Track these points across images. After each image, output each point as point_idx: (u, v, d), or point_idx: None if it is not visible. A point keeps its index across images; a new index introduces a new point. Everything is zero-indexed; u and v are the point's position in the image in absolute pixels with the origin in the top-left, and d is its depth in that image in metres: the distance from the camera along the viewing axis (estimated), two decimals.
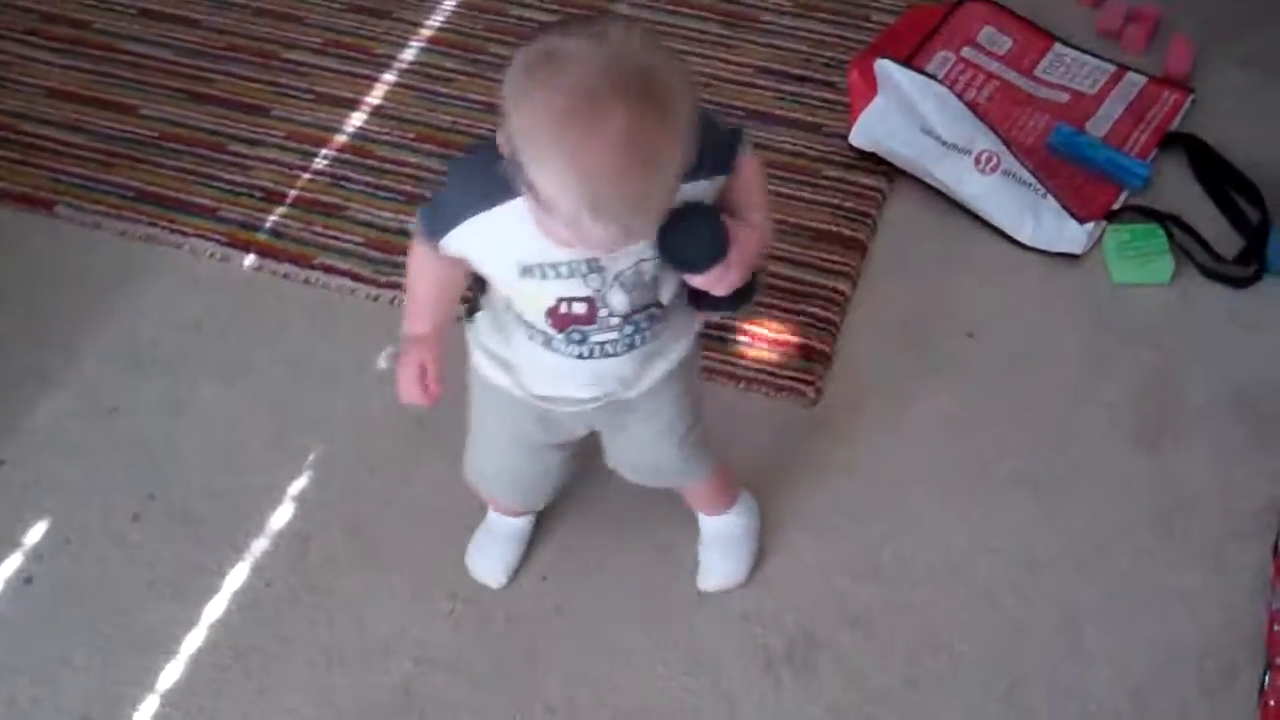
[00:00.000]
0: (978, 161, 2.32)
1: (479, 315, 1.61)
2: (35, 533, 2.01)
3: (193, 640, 1.90)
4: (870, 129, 2.39)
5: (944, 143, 2.33)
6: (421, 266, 1.56)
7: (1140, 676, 1.85)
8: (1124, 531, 1.99)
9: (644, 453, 1.75)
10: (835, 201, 2.38)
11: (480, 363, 1.63)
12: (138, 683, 1.87)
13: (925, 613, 1.92)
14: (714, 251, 1.40)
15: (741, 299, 1.53)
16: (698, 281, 1.44)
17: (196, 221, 2.37)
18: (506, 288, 1.48)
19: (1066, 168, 2.39)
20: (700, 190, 1.41)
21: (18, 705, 1.85)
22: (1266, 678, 1.79)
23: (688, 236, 1.38)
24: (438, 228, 1.46)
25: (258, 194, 2.41)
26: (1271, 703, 1.76)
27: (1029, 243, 2.31)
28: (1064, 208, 2.29)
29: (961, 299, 2.27)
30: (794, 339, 2.18)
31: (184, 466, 2.08)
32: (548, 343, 1.51)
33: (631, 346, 1.53)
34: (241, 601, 1.94)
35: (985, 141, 2.32)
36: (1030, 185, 2.31)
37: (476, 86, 2.57)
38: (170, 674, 1.87)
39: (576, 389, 1.58)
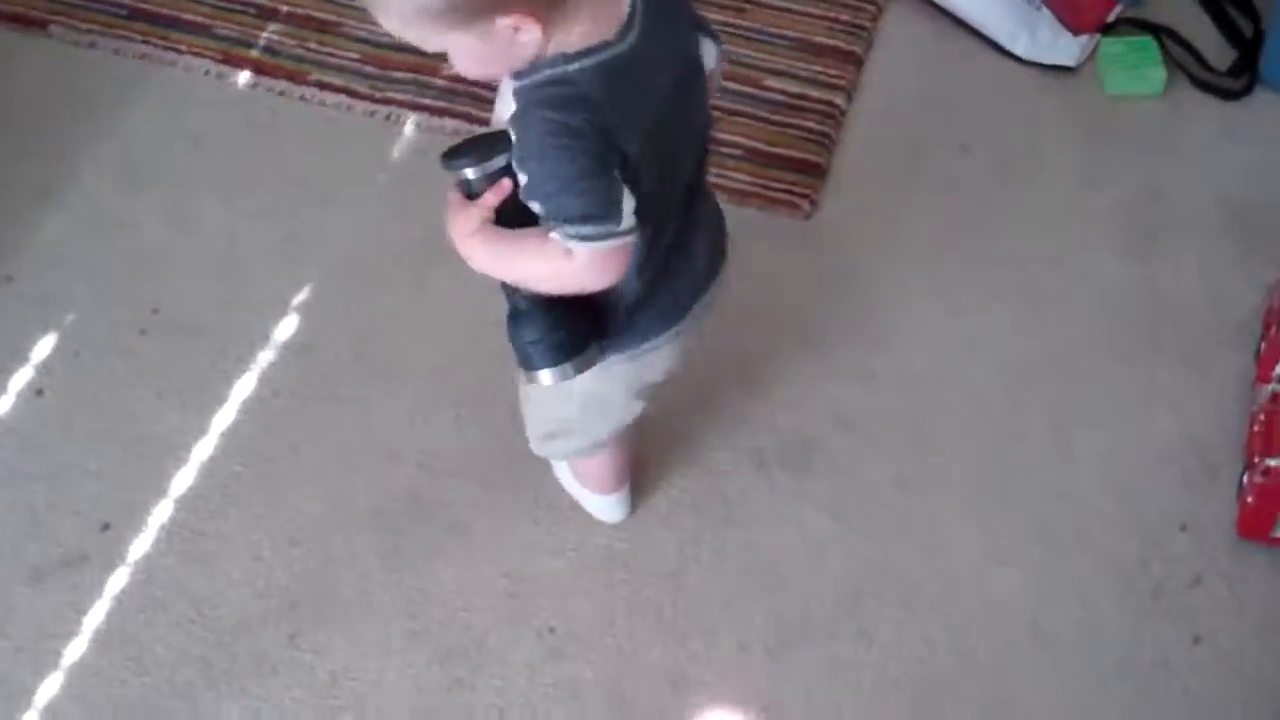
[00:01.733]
0: None
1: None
2: (44, 346, 2.05)
3: (203, 448, 1.95)
4: None
5: None
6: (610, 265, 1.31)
7: (1126, 476, 1.91)
8: (1113, 339, 2.04)
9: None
10: (831, 15, 2.38)
11: (619, 368, 1.49)
12: (152, 488, 1.92)
13: (917, 417, 1.97)
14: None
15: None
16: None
17: (190, 39, 2.37)
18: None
19: None
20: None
21: (36, 511, 1.91)
22: (1245, 475, 1.86)
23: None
24: (613, 205, 1.25)
25: (251, 10, 2.41)
26: (1249, 499, 1.82)
27: (1024, 55, 2.32)
28: (1059, 20, 2.30)
29: (956, 112, 2.29)
30: (789, 152, 2.20)
31: (188, 280, 2.11)
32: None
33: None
34: (249, 410, 1.99)
35: None
36: None
37: None
38: (183, 480, 1.93)
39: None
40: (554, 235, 1.26)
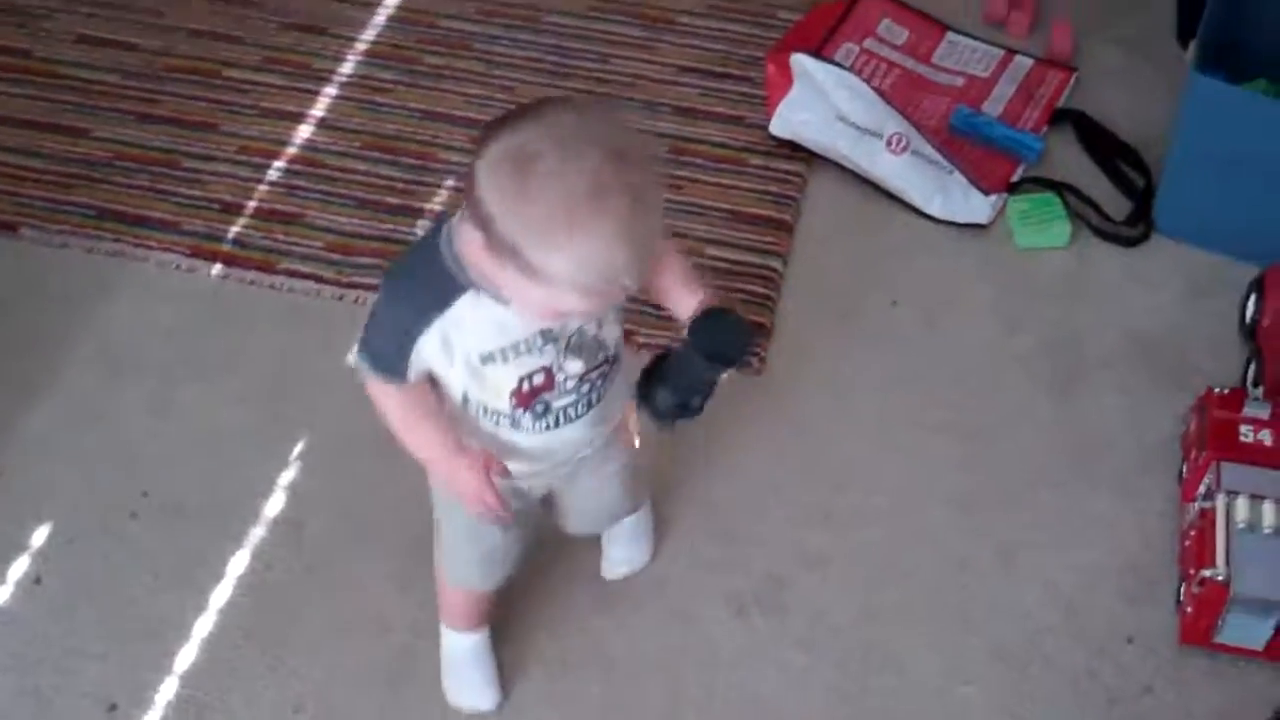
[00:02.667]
0: (889, 144, 2.52)
1: None
2: (39, 535, 2.12)
3: (203, 624, 2.03)
4: (788, 118, 2.59)
5: (857, 127, 2.54)
6: (400, 406, 1.58)
7: (1070, 594, 2.06)
8: (1044, 468, 2.20)
9: (599, 498, 1.87)
10: (761, 187, 2.57)
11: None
12: (156, 667, 1.98)
13: (876, 552, 2.11)
14: (746, 340, 1.54)
15: (699, 407, 1.58)
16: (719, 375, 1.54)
17: (160, 236, 2.49)
18: (468, 381, 1.55)
19: (968, 145, 2.61)
20: None
21: (42, 695, 1.96)
22: (1182, 587, 2.02)
23: (720, 332, 1.51)
24: (396, 364, 1.52)
25: (216, 206, 2.54)
26: (1189, 609, 1.98)
27: (939, 215, 2.51)
28: (969, 181, 2.51)
29: (883, 270, 2.47)
30: None
31: (174, 464, 2.20)
32: (514, 423, 1.60)
33: (589, 405, 1.63)
34: (245, 585, 2.07)
35: (894, 125, 2.53)
36: (938, 163, 2.52)
37: (414, 95, 2.72)
38: (186, 657, 2.00)
39: (535, 462, 1.68)
40: None
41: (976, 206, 2.50)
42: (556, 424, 1.62)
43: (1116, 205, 2.54)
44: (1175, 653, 1.99)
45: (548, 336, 1.53)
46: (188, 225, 2.51)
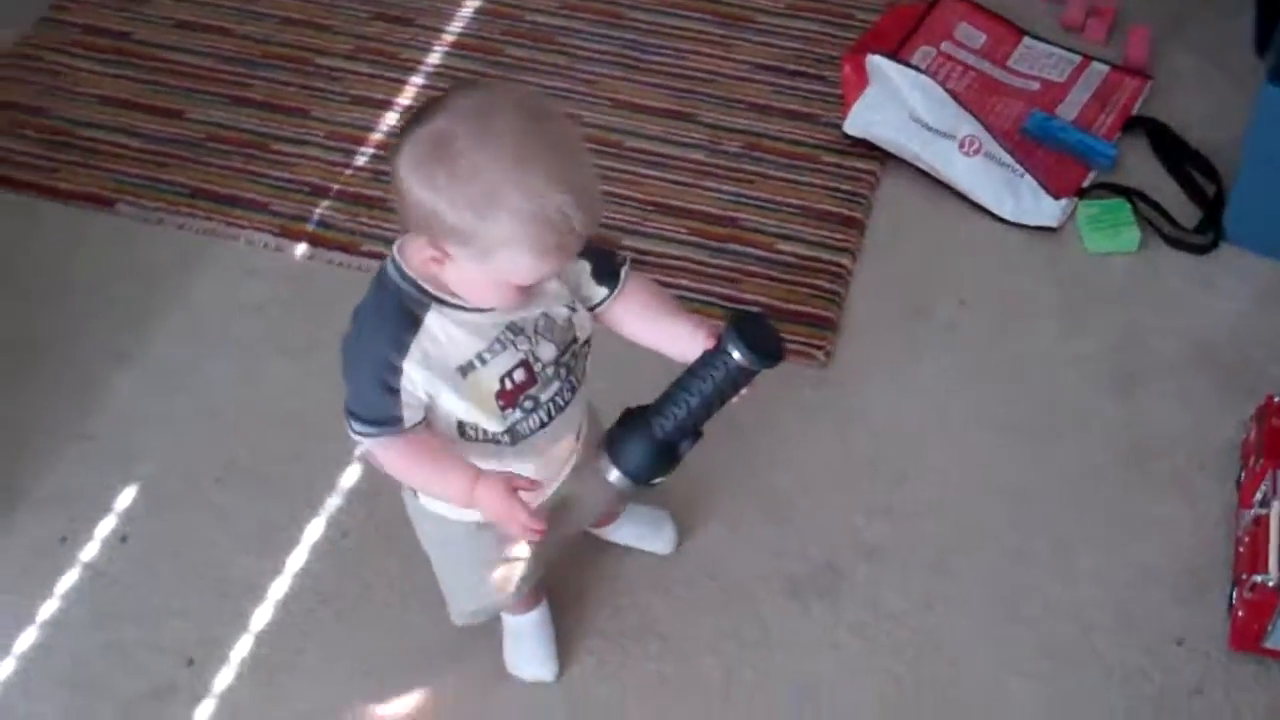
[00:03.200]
0: (962, 145, 2.56)
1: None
2: (126, 497, 2.22)
3: (279, 587, 2.11)
4: (863, 118, 2.64)
5: (930, 129, 2.58)
6: (406, 456, 1.57)
7: (1123, 593, 2.09)
8: (1104, 469, 2.24)
9: (594, 509, 1.92)
10: (834, 185, 2.62)
11: (441, 514, 1.73)
12: (233, 625, 2.07)
13: (934, 544, 2.15)
14: (779, 340, 1.55)
15: (670, 465, 1.58)
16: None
17: (250, 215, 2.58)
18: (455, 400, 1.54)
19: (1041, 150, 2.64)
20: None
21: (124, 648, 2.06)
22: (1234, 592, 2.04)
23: (760, 333, 1.53)
24: (390, 409, 1.51)
25: (304, 189, 2.63)
26: (1240, 613, 2.00)
27: (1010, 218, 2.55)
28: (1040, 185, 2.54)
29: (952, 270, 2.51)
30: (803, 308, 2.42)
31: (258, 434, 2.29)
32: (512, 436, 1.60)
33: (574, 389, 1.64)
34: (321, 552, 2.15)
35: (968, 127, 2.57)
36: (1009, 166, 2.55)
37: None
38: (261, 617, 2.08)
39: (545, 469, 1.69)
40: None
41: (1046, 210, 2.54)
42: (549, 417, 1.62)
43: (1187, 213, 2.56)
44: (1225, 656, 2.02)
45: (514, 329, 1.54)
46: (276, 206, 2.60)
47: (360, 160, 2.68)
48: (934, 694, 2.00)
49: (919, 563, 2.13)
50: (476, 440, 1.60)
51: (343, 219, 2.58)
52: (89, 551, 2.16)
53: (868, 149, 2.65)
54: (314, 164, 2.67)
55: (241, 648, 2.05)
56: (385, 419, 1.53)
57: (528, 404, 1.59)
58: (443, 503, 1.71)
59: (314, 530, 2.18)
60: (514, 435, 1.61)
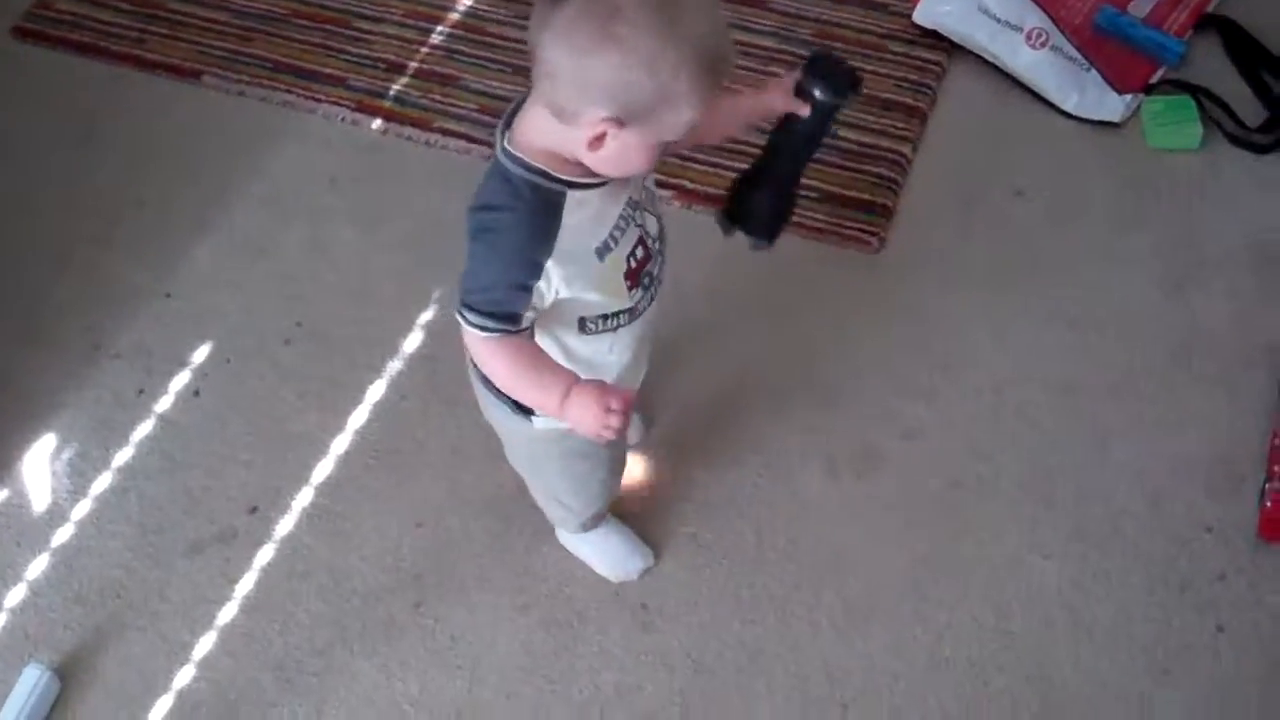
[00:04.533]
0: (1029, 38, 2.56)
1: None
2: (200, 354, 2.33)
3: (340, 443, 2.22)
4: (932, 8, 2.65)
5: (998, 20, 2.59)
6: (511, 356, 1.53)
7: (1157, 483, 2.13)
8: (1149, 362, 2.26)
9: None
10: (900, 74, 2.64)
11: (511, 417, 1.72)
12: (295, 477, 2.19)
13: (971, 429, 2.20)
14: (851, 72, 1.61)
15: (781, 221, 1.71)
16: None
17: (328, 89, 2.67)
18: (587, 289, 1.52)
19: (1109, 45, 2.63)
20: None
21: (193, 494, 2.18)
22: (1267, 485, 2.07)
23: (835, 69, 1.60)
24: (516, 308, 1.48)
25: (381, 65, 2.70)
26: (1269, 504, 2.04)
27: (1074, 111, 2.56)
28: (1106, 80, 2.54)
29: (1012, 161, 2.53)
30: (860, 195, 2.45)
31: (327, 299, 2.39)
32: (632, 316, 1.61)
33: (664, 260, 1.65)
34: (380, 411, 2.26)
35: (1035, 20, 2.57)
36: (1076, 60, 2.55)
37: None
38: (322, 470, 2.20)
39: (644, 344, 1.71)
40: None
41: (1111, 105, 2.54)
42: (656, 290, 1.64)
43: (1253, 112, 2.54)
44: (1252, 545, 2.05)
45: (633, 204, 1.55)
46: (354, 81, 2.68)
47: (436, 39, 2.74)
48: (960, 568, 2.06)
49: (955, 446, 2.18)
50: (595, 333, 1.60)
51: (417, 95, 2.65)
52: (163, 404, 2.28)
53: (936, 39, 2.67)
54: (392, 41, 2.74)
55: (303, 498, 2.17)
56: (506, 316, 1.48)
57: (646, 280, 1.60)
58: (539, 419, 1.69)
59: (375, 391, 2.28)
60: (633, 314, 1.62)
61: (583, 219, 1.48)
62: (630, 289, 1.58)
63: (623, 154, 1.43)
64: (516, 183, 1.46)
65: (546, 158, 1.46)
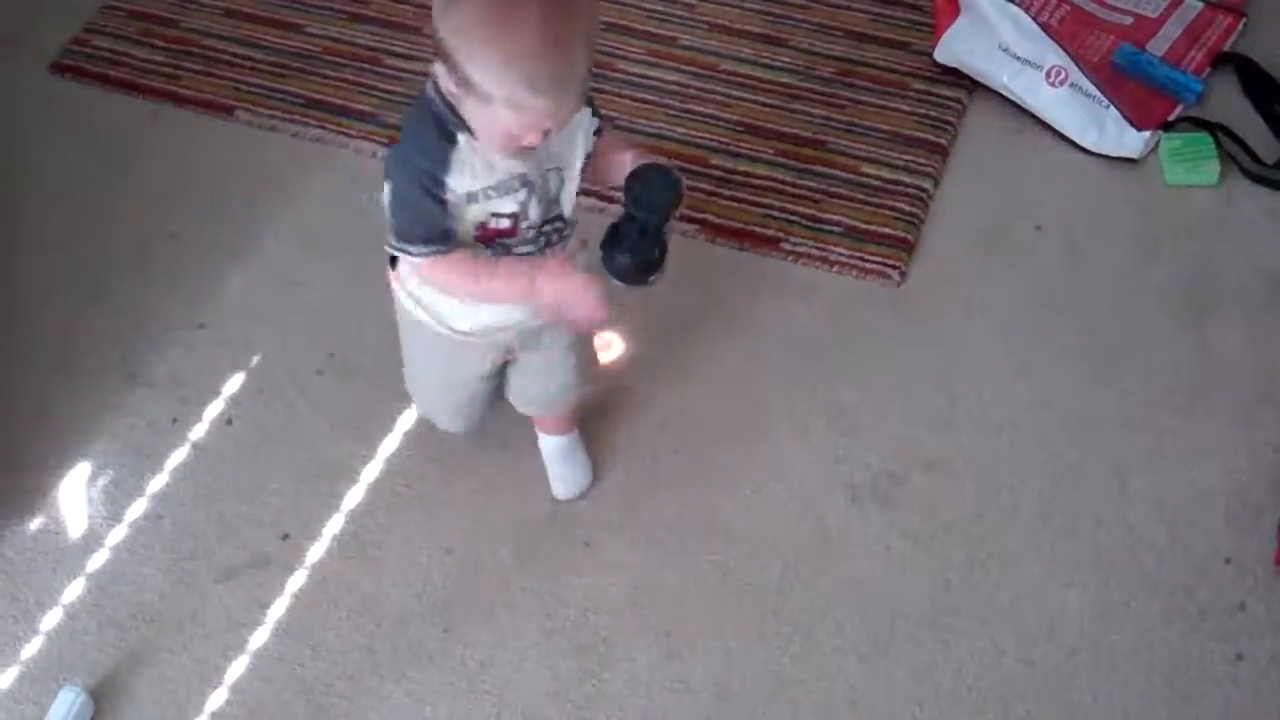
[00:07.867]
0: (1048, 76, 2.61)
1: (399, 261, 1.84)
2: (233, 384, 2.37)
3: (371, 471, 2.26)
4: (953, 46, 2.70)
5: (1018, 58, 2.63)
6: (459, 264, 1.71)
7: (1175, 513, 2.16)
8: (1167, 394, 2.29)
9: (547, 379, 2.03)
10: (921, 111, 2.68)
11: (403, 301, 1.91)
12: (326, 504, 2.22)
13: (991, 459, 2.23)
14: (673, 189, 1.67)
15: (655, 267, 1.73)
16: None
17: (360, 125, 2.71)
18: (462, 216, 1.69)
19: (1128, 83, 2.67)
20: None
21: (226, 520, 2.22)
22: None
23: (649, 185, 1.67)
24: (440, 222, 1.67)
25: (412, 102, 2.74)
26: None
27: (1093, 148, 2.60)
28: (1125, 117, 2.58)
29: (1031, 197, 2.57)
30: (882, 229, 2.49)
31: (358, 330, 2.42)
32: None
33: (537, 247, 1.77)
34: (410, 440, 2.29)
35: (1055, 58, 2.62)
36: (1095, 97, 2.60)
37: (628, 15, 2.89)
38: (353, 498, 2.23)
39: (492, 316, 1.84)
40: None
41: (1130, 141, 2.58)
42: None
43: (1270, 149, 2.58)
44: (1270, 575, 2.08)
45: (524, 181, 1.67)
46: (385, 118, 2.72)
47: None
48: (981, 597, 2.09)
49: (975, 476, 2.21)
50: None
51: None
52: (197, 432, 2.32)
53: (956, 77, 2.71)
54: (423, 79, 2.77)
55: (334, 525, 2.20)
56: (439, 234, 1.67)
57: (499, 250, 1.74)
58: (418, 307, 1.88)
59: (405, 420, 2.31)
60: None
61: (473, 160, 1.63)
62: (477, 239, 1.71)
63: (475, 118, 1.58)
64: (427, 112, 1.64)
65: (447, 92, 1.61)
